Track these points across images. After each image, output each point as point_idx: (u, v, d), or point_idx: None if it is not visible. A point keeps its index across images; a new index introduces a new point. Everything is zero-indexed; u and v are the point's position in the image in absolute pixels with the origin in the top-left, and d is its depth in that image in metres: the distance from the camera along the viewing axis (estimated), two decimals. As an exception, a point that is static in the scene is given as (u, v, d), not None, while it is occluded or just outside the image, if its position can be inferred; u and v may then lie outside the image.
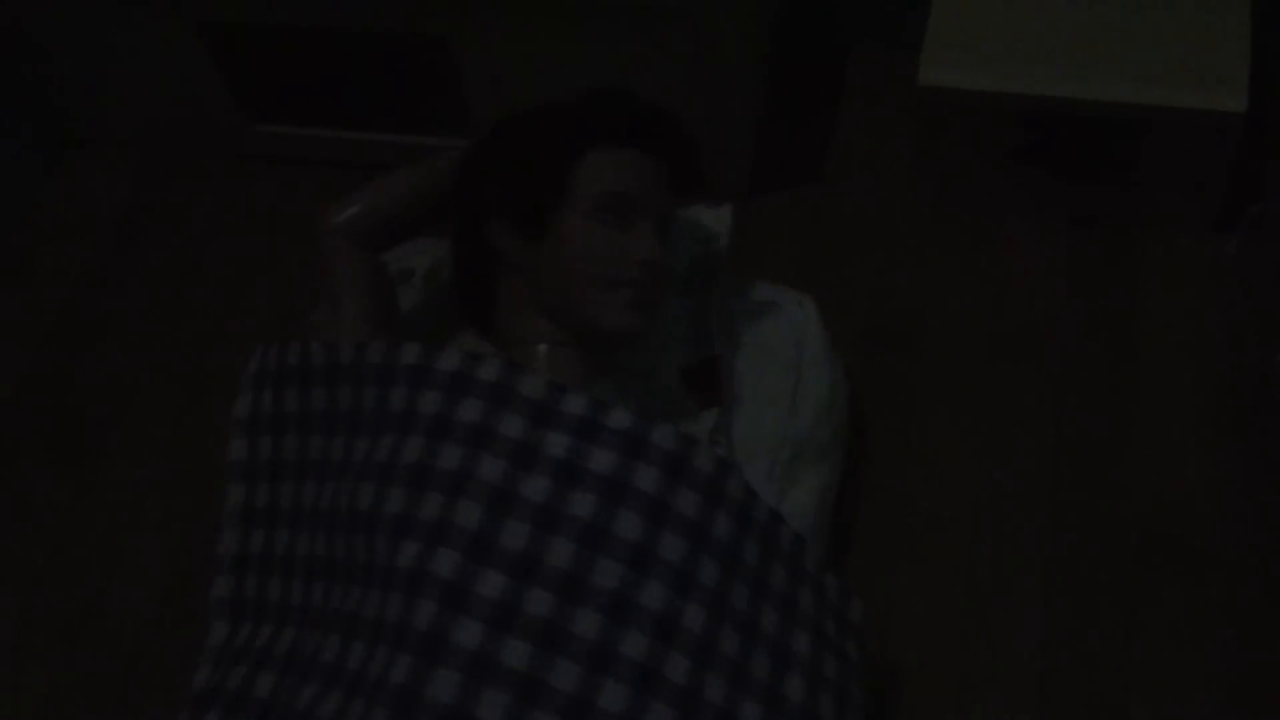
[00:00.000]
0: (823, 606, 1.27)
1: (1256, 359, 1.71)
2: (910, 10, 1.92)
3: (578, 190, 1.33)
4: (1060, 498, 1.64)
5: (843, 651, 1.27)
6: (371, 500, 1.21)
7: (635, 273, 1.32)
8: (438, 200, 1.47)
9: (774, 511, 1.26)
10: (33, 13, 1.95)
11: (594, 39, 1.76)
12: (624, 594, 1.14)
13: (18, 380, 1.93)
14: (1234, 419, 1.67)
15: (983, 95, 1.77)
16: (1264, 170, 1.86)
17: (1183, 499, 1.62)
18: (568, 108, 1.39)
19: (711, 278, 1.55)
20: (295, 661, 1.27)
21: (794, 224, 1.93)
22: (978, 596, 1.58)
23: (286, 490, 1.37)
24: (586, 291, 1.32)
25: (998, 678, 1.52)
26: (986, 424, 1.71)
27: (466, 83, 1.89)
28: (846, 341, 1.67)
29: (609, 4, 1.71)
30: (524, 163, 1.36)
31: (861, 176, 1.96)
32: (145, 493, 1.80)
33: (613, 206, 1.33)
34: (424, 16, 1.81)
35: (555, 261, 1.33)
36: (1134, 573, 1.58)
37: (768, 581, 1.22)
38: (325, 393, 1.33)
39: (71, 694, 1.65)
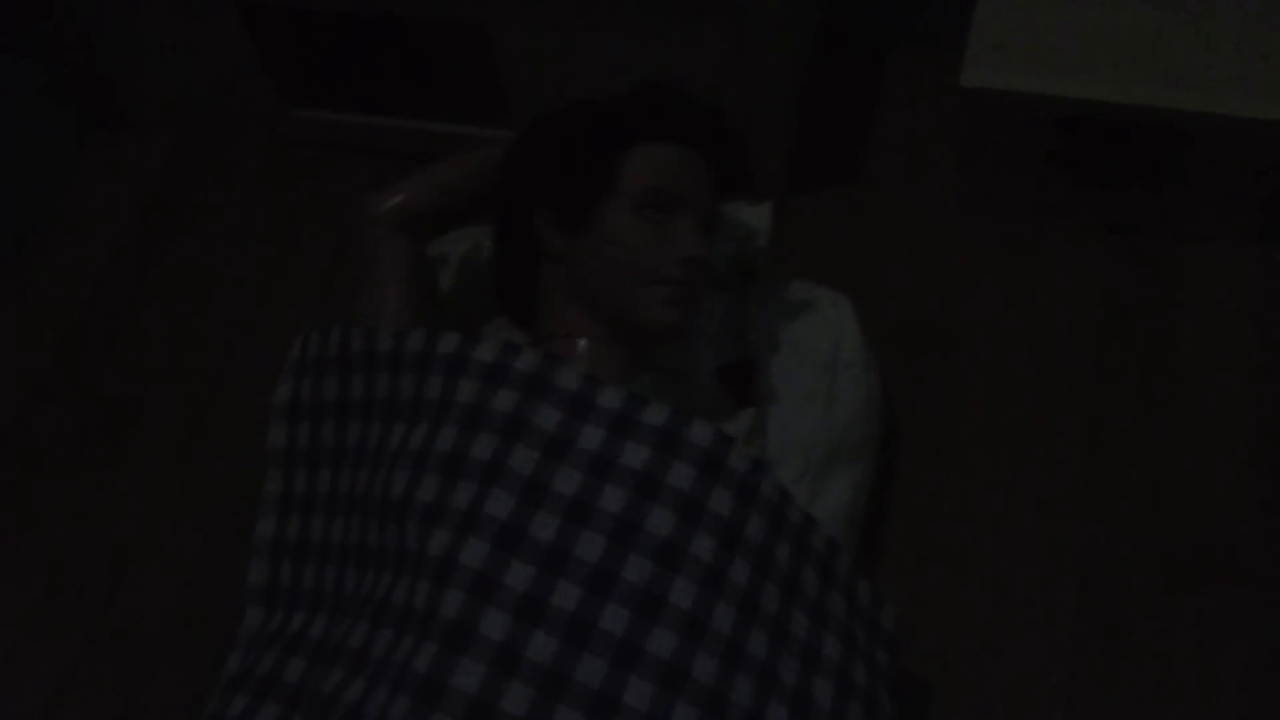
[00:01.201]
0: (854, 612, 1.26)
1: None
2: (951, 11, 1.90)
3: (622, 184, 1.32)
4: (1093, 508, 1.62)
5: (873, 658, 1.26)
6: (404, 488, 1.21)
7: (677, 270, 1.31)
8: (482, 192, 1.47)
9: (808, 515, 1.25)
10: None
11: (633, 29, 1.75)
12: (653, 591, 1.13)
13: (45, 362, 1.93)
14: (1273, 433, 1.65)
15: (1025, 97, 1.75)
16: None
17: (1218, 512, 1.60)
18: (615, 101, 1.38)
19: (749, 276, 1.54)
20: (326, 648, 1.27)
21: (831, 223, 1.92)
22: (1006, 605, 1.56)
23: (323, 478, 1.37)
24: (627, 287, 1.31)
25: (1025, 689, 1.51)
26: (1020, 431, 1.70)
27: (504, 71, 1.88)
28: (882, 343, 1.66)
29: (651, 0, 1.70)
30: (569, 155, 1.35)
31: (899, 177, 1.95)
32: (170, 477, 1.80)
33: (656, 202, 1.32)
34: (463, 3, 1.80)
35: (597, 255, 1.32)
36: (1166, 585, 1.56)
37: (799, 585, 1.21)
38: (363, 380, 1.33)
39: (89, 674, 1.65)
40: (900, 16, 2.07)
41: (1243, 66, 1.71)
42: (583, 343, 1.35)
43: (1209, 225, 1.82)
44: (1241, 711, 1.47)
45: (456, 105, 2.00)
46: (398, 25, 1.88)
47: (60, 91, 2.12)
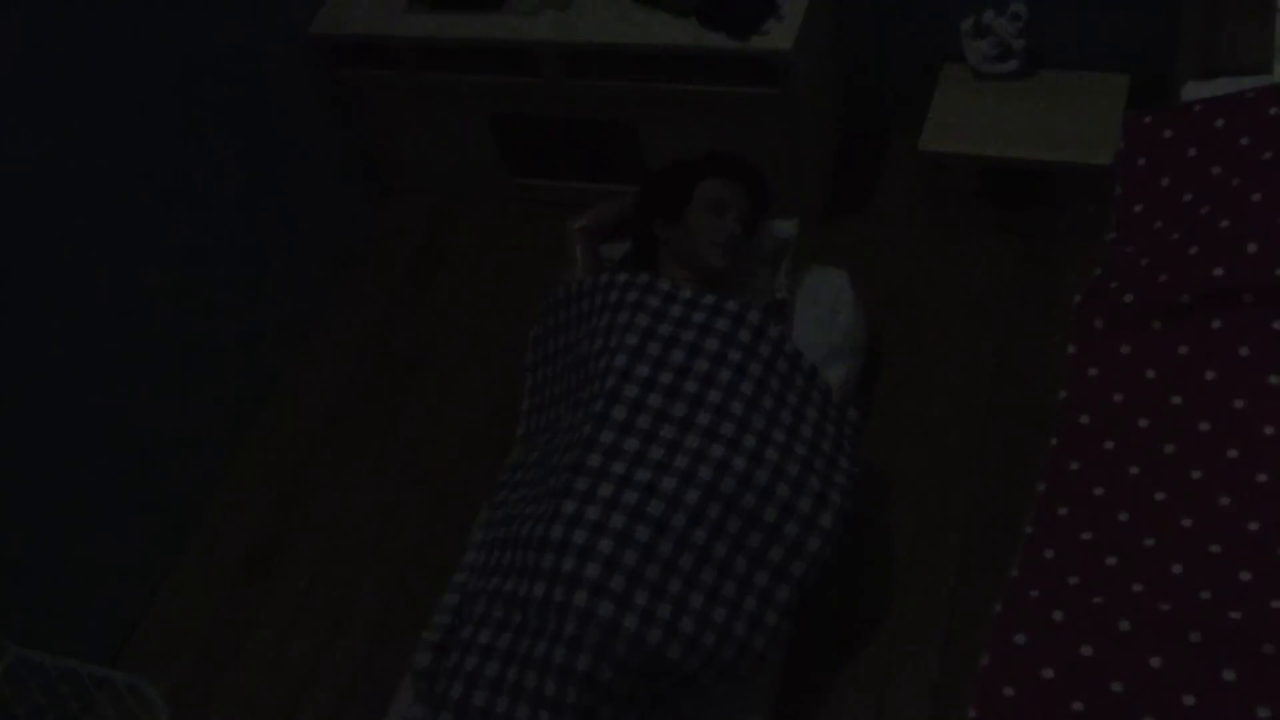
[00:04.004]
0: (827, 402, 2.37)
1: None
2: (918, 108, 3.06)
3: (696, 198, 2.50)
4: (998, 397, 2.72)
5: (840, 432, 2.36)
6: (588, 348, 2.37)
7: (724, 238, 2.48)
8: (625, 217, 2.67)
9: (798, 350, 2.38)
10: (380, 103, 3.25)
11: (723, 125, 2.95)
12: (710, 378, 2.26)
13: (365, 329, 3.19)
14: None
15: (960, 156, 2.90)
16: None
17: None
18: (693, 160, 2.58)
19: (783, 255, 2.71)
20: (527, 474, 2.42)
21: (848, 235, 3.08)
22: (941, 450, 2.66)
23: (547, 371, 2.55)
24: (700, 248, 2.48)
25: (940, 492, 2.61)
26: (956, 352, 2.81)
27: (645, 152, 3.10)
28: (872, 304, 2.80)
29: (734, 103, 2.90)
30: (671, 186, 2.55)
31: (888, 205, 3.12)
32: (452, 393, 3.02)
33: (714, 208, 2.50)
34: (622, 112, 3.03)
35: (685, 235, 2.50)
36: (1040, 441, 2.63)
37: (793, 380, 2.33)
38: (564, 312, 2.51)
39: (410, 502, 2.85)
40: (889, 112, 3.25)
41: (1084, 131, 2.84)
42: (680, 283, 2.52)
43: (1071, 231, 2.93)
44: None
45: (613, 172, 3.22)
46: (581, 124, 3.12)
47: (360, 167, 3.42)
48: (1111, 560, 1.91)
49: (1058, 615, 1.85)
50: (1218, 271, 2.07)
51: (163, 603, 2.78)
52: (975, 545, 2.51)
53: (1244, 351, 2.02)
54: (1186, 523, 1.91)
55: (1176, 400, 2.03)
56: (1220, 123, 2.26)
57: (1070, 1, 2.89)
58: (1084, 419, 2.09)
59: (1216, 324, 2.06)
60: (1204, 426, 1.99)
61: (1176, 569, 1.86)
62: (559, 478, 2.23)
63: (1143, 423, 2.04)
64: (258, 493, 2.94)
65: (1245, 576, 1.82)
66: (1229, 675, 1.73)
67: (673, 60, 2.93)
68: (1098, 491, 2.00)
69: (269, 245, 3.07)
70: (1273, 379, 1.99)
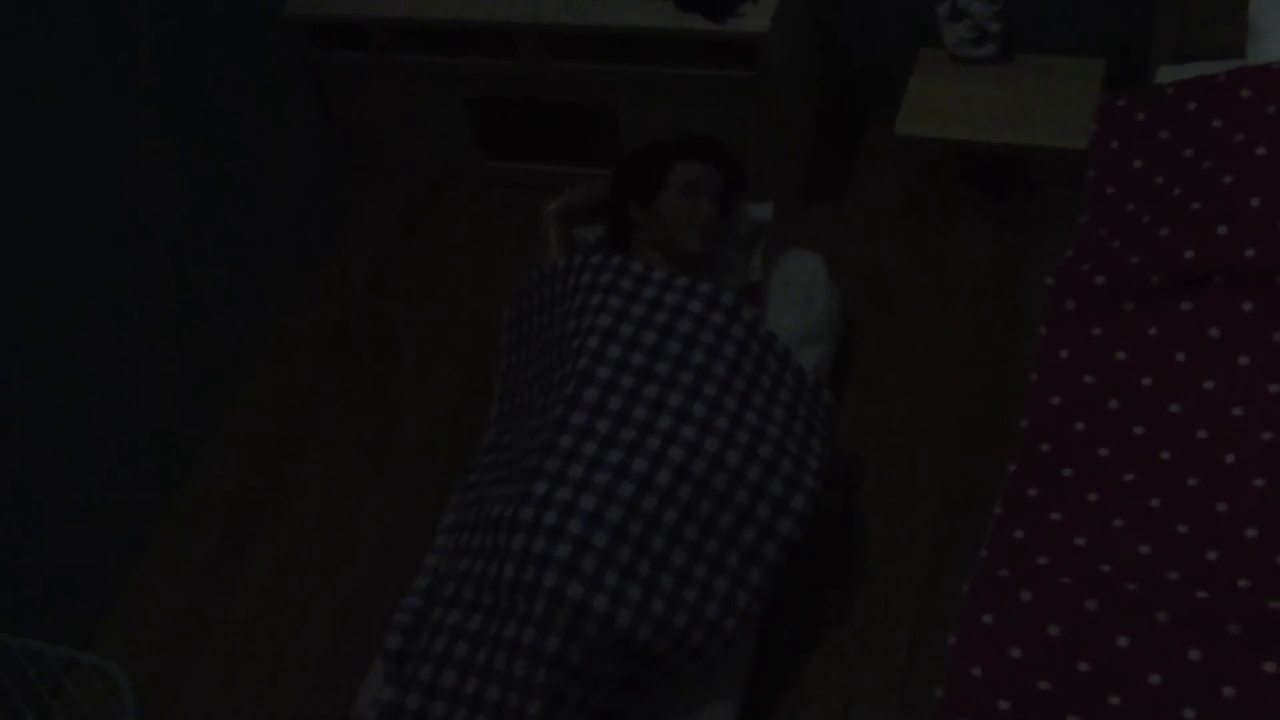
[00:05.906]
0: (801, 385, 2.37)
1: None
2: (894, 91, 3.06)
3: (670, 180, 2.49)
4: (969, 379, 2.72)
5: (813, 417, 2.36)
6: (560, 329, 2.37)
7: (699, 220, 2.47)
8: (602, 199, 2.65)
9: (771, 332, 2.37)
10: (355, 85, 3.23)
11: (703, 109, 2.94)
12: (680, 357, 2.25)
13: (341, 311, 3.17)
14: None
15: (936, 140, 2.90)
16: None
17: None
18: (668, 142, 2.56)
19: (758, 238, 2.70)
20: (515, 441, 2.42)
21: (824, 219, 3.08)
22: (913, 427, 2.67)
23: (521, 353, 2.54)
24: (675, 230, 2.48)
25: (918, 463, 2.61)
26: (930, 338, 2.81)
27: (622, 134, 3.09)
28: (847, 288, 2.79)
29: (710, 86, 2.89)
30: (646, 168, 2.53)
31: (866, 191, 3.11)
32: (429, 369, 3.01)
33: (689, 189, 2.49)
34: (600, 93, 3.02)
35: (660, 218, 2.49)
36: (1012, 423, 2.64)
37: (766, 365, 2.33)
38: (538, 294, 2.51)
39: (384, 484, 2.84)
40: (866, 95, 3.24)
41: (1059, 115, 2.84)
42: (654, 265, 2.51)
43: (1045, 216, 2.93)
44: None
45: (589, 155, 3.21)
46: (557, 107, 3.11)
47: (343, 151, 3.40)
48: (1080, 541, 1.91)
49: (1026, 595, 1.85)
50: (1188, 253, 2.07)
51: (135, 586, 2.77)
52: (947, 527, 2.51)
53: (1214, 333, 2.02)
54: (1155, 503, 1.91)
55: (1146, 382, 2.03)
56: (1193, 106, 2.25)
57: (1046, -15, 2.89)
58: (1055, 400, 2.08)
59: (1187, 306, 2.06)
60: (1174, 408, 1.99)
61: (1145, 549, 1.86)
62: (530, 459, 2.22)
63: (1113, 404, 2.04)
64: (232, 476, 2.92)
65: (1213, 556, 1.82)
66: (1195, 655, 1.73)
67: (649, 43, 2.92)
68: (1067, 472, 2.00)
69: (242, 228, 3.05)
70: (1242, 360, 1.99)
